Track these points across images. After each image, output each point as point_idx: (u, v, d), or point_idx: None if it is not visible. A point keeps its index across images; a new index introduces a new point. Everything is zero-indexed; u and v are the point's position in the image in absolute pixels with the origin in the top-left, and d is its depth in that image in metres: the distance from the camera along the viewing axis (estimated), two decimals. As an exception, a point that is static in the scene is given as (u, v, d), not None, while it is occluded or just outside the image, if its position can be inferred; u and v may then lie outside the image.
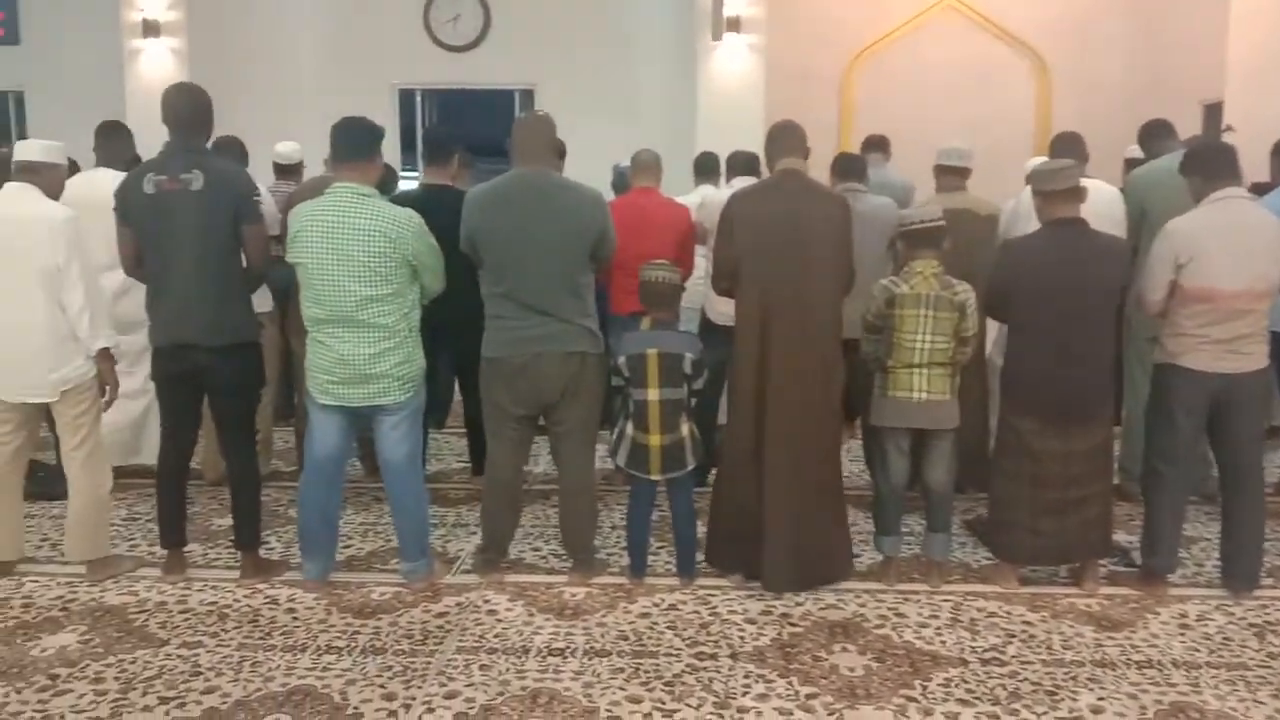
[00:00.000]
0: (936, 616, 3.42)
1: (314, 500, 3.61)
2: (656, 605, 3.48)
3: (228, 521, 3.88)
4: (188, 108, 3.60)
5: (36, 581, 3.68)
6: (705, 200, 4.87)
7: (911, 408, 3.58)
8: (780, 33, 8.28)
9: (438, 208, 3.85)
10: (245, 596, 3.56)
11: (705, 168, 5.67)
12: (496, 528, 3.73)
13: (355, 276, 3.36)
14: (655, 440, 3.54)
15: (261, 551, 3.81)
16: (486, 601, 3.51)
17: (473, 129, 9.63)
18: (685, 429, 3.57)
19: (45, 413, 3.69)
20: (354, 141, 3.49)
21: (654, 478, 3.60)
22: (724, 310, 4.52)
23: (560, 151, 4.63)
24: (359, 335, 3.41)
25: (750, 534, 3.54)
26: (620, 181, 5.30)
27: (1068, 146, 4.52)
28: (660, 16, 8.87)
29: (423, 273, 3.51)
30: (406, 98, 9.12)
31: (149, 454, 4.25)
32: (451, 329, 4.02)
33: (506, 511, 3.73)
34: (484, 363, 3.64)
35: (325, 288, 3.39)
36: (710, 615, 3.41)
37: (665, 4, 8.82)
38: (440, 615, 3.40)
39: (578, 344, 3.56)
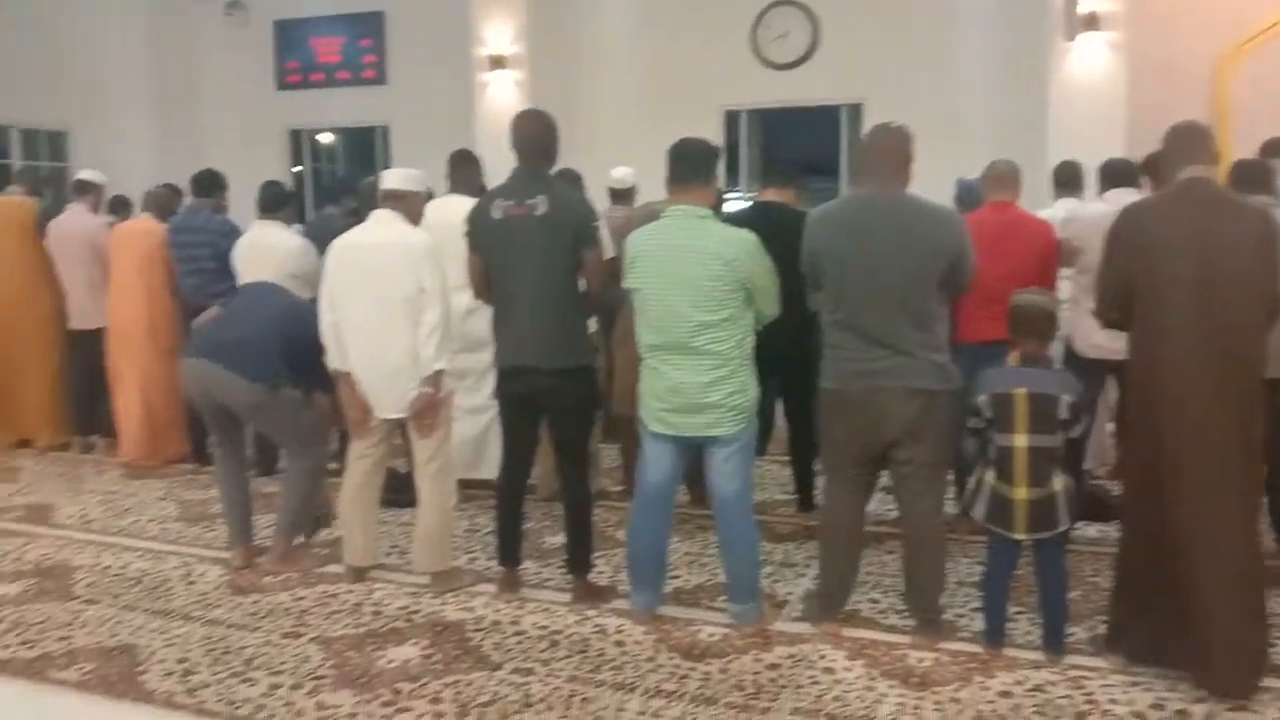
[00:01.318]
0: (1396, 738, 2.72)
1: (644, 529, 3.51)
2: (1019, 683, 3.02)
3: (560, 539, 3.90)
4: (535, 134, 3.66)
5: (384, 589, 3.86)
6: (1073, 215, 4.33)
7: (1360, 471, 2.88)
8: (1141, 27, 7.35)
9: (772, 226, 3.66)
10: (575, 622, 3.51)
11: (1067, 179, 5.07)
12: (836, 576, 3.42)
13: (691, 301, 3.23)
14: (1022, 494, 3.08)
15: (591, 575, 3.78)
16: (822, 657, 3.22)
17: (797, 145, 9.46)
18: (1058, 483, 3.08)
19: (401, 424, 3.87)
20: (693, 164, 3.38)
21: (1018, 537, 3.14)
22: (1097, 342, 3.97)
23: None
24: (693, 363, 3.27)
25: (1164, 613, 2.97)
26: (968, 196, 4.83)
27: None
28: (999, 20, 8.20)
29: (757, 296, 3.31)
30: (730, 116, 9.09)
31: (489, 469, 4.38)
32: (778, 353, 3.81)
33: (846, 558, 3.41)
34: (821, 394, 3.37)
35: (661, 313, 3.29)
36: (1086, 703, 2.90)
37: (1003, 7, 8.15)
38: (772, 667, 3.16)
39: (922, 379, 3.19)
